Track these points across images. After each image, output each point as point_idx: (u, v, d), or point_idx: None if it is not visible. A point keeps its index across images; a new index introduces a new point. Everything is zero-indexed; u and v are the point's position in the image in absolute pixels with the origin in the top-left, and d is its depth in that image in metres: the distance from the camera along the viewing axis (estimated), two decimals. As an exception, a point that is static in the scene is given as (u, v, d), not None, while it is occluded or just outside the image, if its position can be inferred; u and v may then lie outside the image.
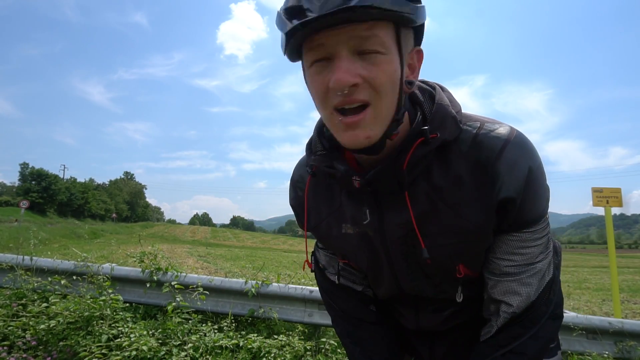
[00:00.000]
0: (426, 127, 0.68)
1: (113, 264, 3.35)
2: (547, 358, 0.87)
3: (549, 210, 0.77)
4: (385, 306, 0.99)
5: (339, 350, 2.88)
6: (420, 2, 0.64)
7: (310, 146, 0.81)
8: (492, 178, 0.68)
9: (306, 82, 0.68)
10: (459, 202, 0.71)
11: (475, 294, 0.84)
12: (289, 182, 0.94)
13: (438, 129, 0.69)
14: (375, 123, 0.63)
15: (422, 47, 0.71)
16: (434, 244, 0.74)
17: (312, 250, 1.02)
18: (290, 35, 0.60)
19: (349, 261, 0.91)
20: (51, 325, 2.65)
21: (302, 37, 0.61)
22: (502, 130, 0.70)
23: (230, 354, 2.70)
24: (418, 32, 0.68)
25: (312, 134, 0.82)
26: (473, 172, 0.69)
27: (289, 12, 0.60)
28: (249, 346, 2.73)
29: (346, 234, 0.83)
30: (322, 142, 0.78)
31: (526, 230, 0.73)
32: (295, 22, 0.58)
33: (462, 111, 0.74)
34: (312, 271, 1.01)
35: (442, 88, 0.77)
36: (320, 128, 0.80)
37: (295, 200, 0.91)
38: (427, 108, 0.73)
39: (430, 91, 0.76)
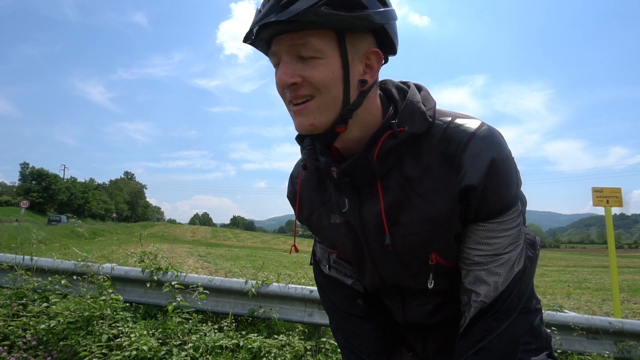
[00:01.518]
0: (394, 121, 0.75)
1: (113, 264, 3.36)
2: (533, 357, 0.89)
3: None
4: (377, 301, 1.02)
5: (339, 350, 2.88)
6: (383, 7, 0.71)
7: (302, 141, 0.88)
8: (457, 168, 0.73)
9: None
10: (428, 191, 0.75)
11: (448, 286, 0.87)
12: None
13: (406, 122, 0.75)
14: (318, 113, 0.72)
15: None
16: (407, 231, 0.79)
17: (313, 244, 1.08)
18: (246, 42, 0.74)
19: (337, 251, 0.97)
20: (51, 325, 2.66)
21: (258, 45, 0.74)
22: (471, 124, 0.75)
23: (231, 353, 2.70)
24: (379, 34, 0.74)
25: None
26: (441, 163, 0.74)
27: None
28: (249, 346, 2.73)
29: (334, 223, 0.88)
30: (311, 137, 0.84)
31: (493, 221, 0.76)
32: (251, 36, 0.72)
33: (438, 108, 0.79)
34: (310, 264, 1.09)
35: (418, 87, 0.83)
36: None
37: (291, 193, 0.98)
38: (400, 104, 0.79)
39: (405, 89, 0.82)
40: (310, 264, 1.08)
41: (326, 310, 1.06)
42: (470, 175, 0.72)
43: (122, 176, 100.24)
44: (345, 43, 0.70)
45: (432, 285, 0.84)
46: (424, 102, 0.78)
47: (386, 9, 0.71)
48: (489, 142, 0.73)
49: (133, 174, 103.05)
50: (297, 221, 0.99)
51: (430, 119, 0.76)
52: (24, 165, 61.72)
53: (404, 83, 0.85)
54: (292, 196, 0.97)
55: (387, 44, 0.76)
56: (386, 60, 0.79)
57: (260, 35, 0.71)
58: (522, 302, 0.78)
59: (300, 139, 0.86)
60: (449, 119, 0.76)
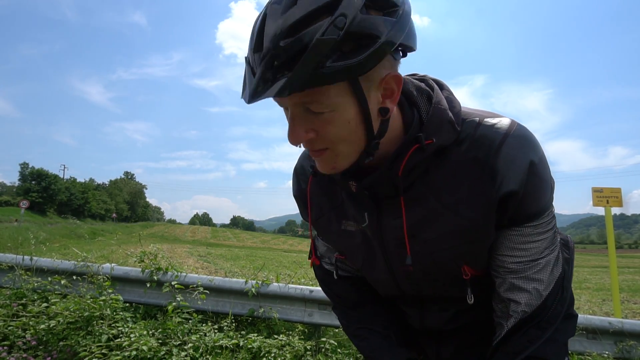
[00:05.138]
0: (421, 134, 0.67)
1: (113, 264, 3.35)
2: None
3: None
4: (391, 304, 0.97)
5: (339, 350, 2.88)
6: (393, 14, 0.59)
7: None
8: (491, 174, 0.66)
9: None
10: (458, 201, 0.69)
11: (485, 293, 0.81)
12: (290, 180, 0.95)
13: (434, 134, 0.67)
14: (337, 159, 0.66)
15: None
16: (435, 248, 0.73)
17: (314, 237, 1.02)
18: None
19: (345, 257, 0.91)
20: (51, 325, 2.65)
21: None
22: (501, 124, 0.68)
23: (231, 353, 2.70)
24: (397, 50, 0.63)
25: None
26: (472, 170, 0.68)
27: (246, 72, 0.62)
28: (249, 346, 2.73)
29: (345, 230, 0.83)
30: None
31: (528, 225, 0.70)
32: (246, 93, 0.60)
33: (462, 108, 0.72)
34: (309, 258, 1.02)
35: (441, 86, 0.75)
36: None
37: (299, 192, 0.91)
38: (424, 110, 0.71)
39: (428, 92, 0.73)
40: (309, 258, 1.01)
41: (331, 300, 1.01)
42: (509, 180, 0.66)
43: (122, 176, 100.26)
44: (359, 85, 0.60)
45: (472, 300, 0.78)
46: (450, 107, 0.70)
47: (398, 14, 0.59)
48: (524, 143, 0.67)
49: (133, 174, 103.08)
50: (311, 230, 0.92)
51: (459, 128, 0.69)
52: (24, 165, 61.77)
53: (423, 80, 0.76)
54: (301, 196, 0.90)
55: (404, 51, 0.66)
56: (404, 55, 0.69)
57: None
58: (565, 309, 0.73)
59: None
60: (477, 119, 0.69)
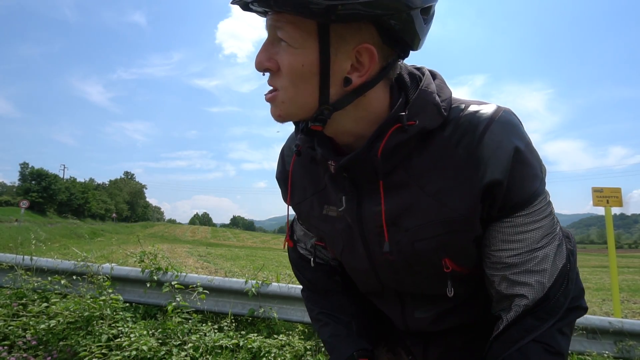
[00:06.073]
0: (403, 114, 0.64)
1: (113, 264, 3.36)
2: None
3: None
4: (368, 303, 0.96)
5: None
6: None
7: (298, 124, 0.78)
8: (476, 161, 0.64)
9: None
10: (442, 190, 0.67)
11: (468, 293, 0.80)
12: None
13: (417, 115, 0.65)
14: (284, 106, 0.65)
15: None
16: (416, 237, 0.70)
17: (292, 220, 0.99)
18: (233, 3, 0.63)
19: (324, 244, 0.89)
20: (51, 325, 2.66)
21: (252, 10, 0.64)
22: (486, 110, 0.66)
23: (231, 353, 2.70)
24: (383, 27, 0.60)
25: None
26: (456, 157, 0.65)
27: None
28: (249, 346, 2.73)
29: (327, 215, 0.80)
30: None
31: (519, 214, 0.67)
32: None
33: (454, 97, 0.70)
34: (284, 248, 1.01)
35: (433, 74, 0.72)
36: None
37: (281, 174, 0.88)
38: (411, 94, 0.68)
39: (419, 76, 0.71)
40: (284, 246, 0.99)
41: (301, 283, 1.00)
42: (493, 169, 0.63)
43: (122, 176, 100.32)
44: (328, 35, 0.59)
45: (451, 293, 0.75)
46: (438, 92, 0.68)
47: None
48: (508, 128, 0.64)
49: (133, 174, 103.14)
50: (288, 208, 0.87)
51: (445, 113, 0.66)
52: (24, 165, 61.78)
53: (418, 69, 0.74)
54: (283, 178, 0.87)
55: (396, 40, 0.62)
56: (402, 57, 0.68)
57: (254, 7, 0.61)
58: (568, 301, 0.69)
59: (298, 124, 0.78)
60: (463, 106, 0.68)
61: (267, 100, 0.67)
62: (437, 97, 0.67)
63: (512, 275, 0.68)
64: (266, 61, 0.63)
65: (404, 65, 0.73)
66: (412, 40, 0.63)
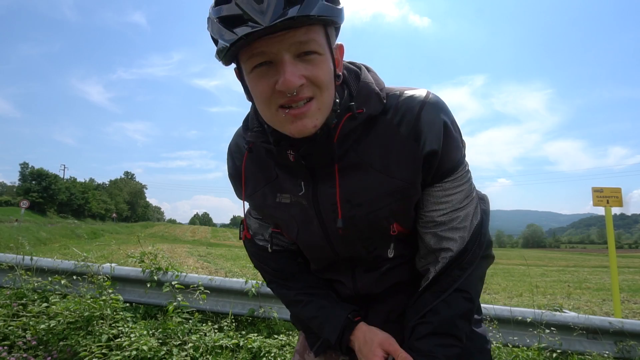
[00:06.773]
0: (352, 104, 0.76)
1: (113, 264, 3.36)
2: (475, 328, 0.93)
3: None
4: (322, 277, 1.01)
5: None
6: (340, 4, 0.70)
7: (247, 123, 0.87)
8: (416, 136, 0.76)
9: (244, 85, 0.75)
10: (389, 164, 0.78)
11: (407, 251, 0.90)
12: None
13: (364, 104, 0.77)
14: (319, 113, 0.71)
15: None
16: (370, 209, 0.80)
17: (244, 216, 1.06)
18: (233, 45, 0.64)
19: (280, 230, 0.96)
20: (51, 325, 2.66)
21: (243, 45, 0.65)
22: (420, 93, 0.79)
23: (231, 353, 2.70)
24: (338, 30, 0.76)
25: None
26: (399, 135, 0.77)
27: (227, 21, 0.64)
28: (249, 346, 2.73)
29: (281, 203, 0.88)
30: (259, 119, 0.83)
31: (447, 180, 0.81)
32: (240, 32, 0.63)
33: (386, 86, 0.82)
34: (240, 238, 1.06)
35: (367, 68, 0.84)
36: (256, 109, 0.82)
37: (234, 170, 0.95)
38: (354, 86, 0.80)
39: (357, 71, 0.83)
40: (240, 238, 1.05)
41: (266, 278, 1.05)
42: (431, 140, 0.76)
43: (122, 176, 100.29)
44: (328, 37, 0.71)
45: (392, 254, 0.88)
46: (376, 83, 0.80)
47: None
48: (438, 107, 0.78)
49: (133, 174, 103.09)
50: (244, 202, 0.96)
51: (384, 100, 0.78)
52: (24, 165, 61.75)
53: (352, 64, 0.86)
54: (236, 174, 0.94)
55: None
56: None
57: (258, 34, 0.62)
58: (482, 251, 0.85)
59: (247, 121, 0.87)
60: (398, 92, 0.80)
61: (297, 115, 0.69)
62: (376, 87, 0.79)
63: (441, 232, 0.82)
64: (297, 79, 0.66)
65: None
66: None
